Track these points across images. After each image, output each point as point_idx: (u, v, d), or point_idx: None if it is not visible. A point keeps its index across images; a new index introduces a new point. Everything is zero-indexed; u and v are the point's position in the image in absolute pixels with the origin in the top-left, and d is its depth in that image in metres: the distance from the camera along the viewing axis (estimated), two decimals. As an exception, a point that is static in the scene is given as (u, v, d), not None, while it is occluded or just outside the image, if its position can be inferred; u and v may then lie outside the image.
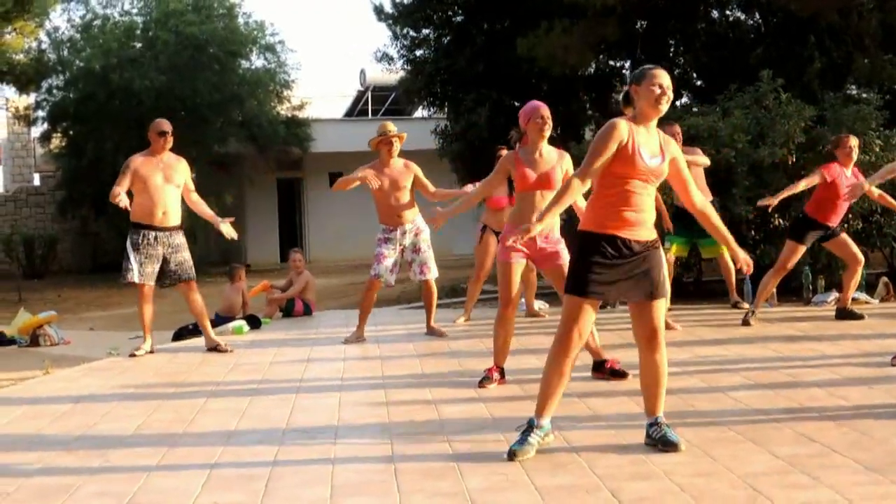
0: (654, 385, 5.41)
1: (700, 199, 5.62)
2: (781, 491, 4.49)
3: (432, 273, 10.30)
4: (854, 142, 10.07)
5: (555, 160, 7.43)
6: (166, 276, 9.75)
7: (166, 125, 9.77)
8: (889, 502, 4.30)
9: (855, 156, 10.05)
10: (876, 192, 10.04)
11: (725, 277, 11.62)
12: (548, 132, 7.41)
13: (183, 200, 9.91)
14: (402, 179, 10.12)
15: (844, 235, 10.33)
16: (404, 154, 10.21)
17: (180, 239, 9.79)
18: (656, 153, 5.32)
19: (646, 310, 5.37)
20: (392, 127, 10.19)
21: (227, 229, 9.90)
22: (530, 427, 5.35)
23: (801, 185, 10.12)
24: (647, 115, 5.34)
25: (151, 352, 9.87)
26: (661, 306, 5.42)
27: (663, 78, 5.31)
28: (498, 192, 10.48)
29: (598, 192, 5.36)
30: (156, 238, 9.61)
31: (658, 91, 5.27)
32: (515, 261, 7.33)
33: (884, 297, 11.93)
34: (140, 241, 9.60)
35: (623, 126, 5.26)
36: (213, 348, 9.87)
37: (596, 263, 5.24)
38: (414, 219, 10.23)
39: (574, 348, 5.32)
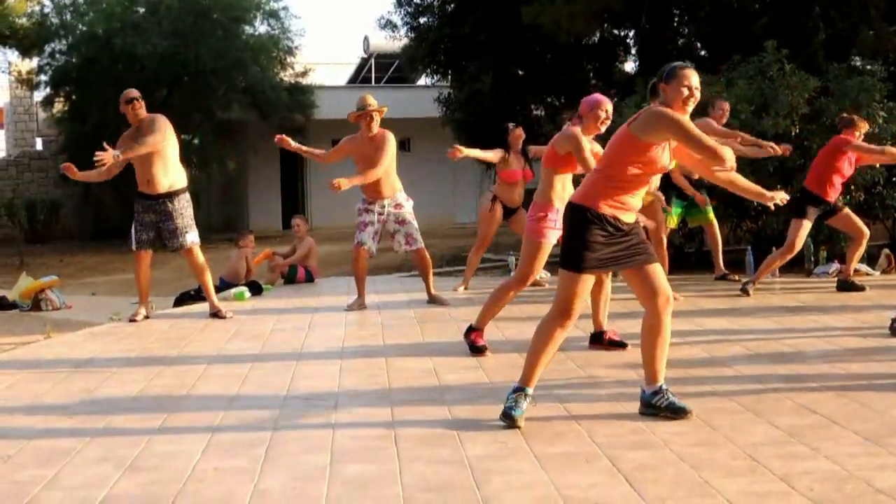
0: (661, 350, 5.40)
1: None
2: (780, 461, 4.50)
3: (418, 243, 10.31)
4: (865, 127, 10.17)
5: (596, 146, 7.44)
6: (165, 244, 9.85)
7: (132, 92, 9.88)
8: (887, 473, 4.31)
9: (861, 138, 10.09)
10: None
11: (712, 249, 11.58)
12: (604, 128, 7.31)
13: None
14: (378, 153, 10.09)
15: (847, 210, 10.33)
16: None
17: (174, 205, 9.75)
18: (667, 148, 5.33)
19: (648, 274, 5.37)
20: (372, 101, 10.12)
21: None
22: (524, 394, 5.36)
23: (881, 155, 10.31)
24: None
25: (147, 317, 9.89)
26: (661, 269, 5.44)
27: (692, 79, 5.27)
28: (512, 166, 10.64)
29: (611, 174, 5.31)
30: (149, 206, 9.72)
31: (686, 93, 5.24)
32: (549, 240, 7.28)
33: (885, 268, 11.93)
34: (137, 209, 9.81)
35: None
36: (215, 314, 9.90)
37: (592, 239, 5.24)
38: (394, 194, 10.24)
39: (572, 321, 5.33)
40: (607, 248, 5.27)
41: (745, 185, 5.73)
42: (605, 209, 5.27)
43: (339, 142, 10.31)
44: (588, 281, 5.32)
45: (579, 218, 5.31)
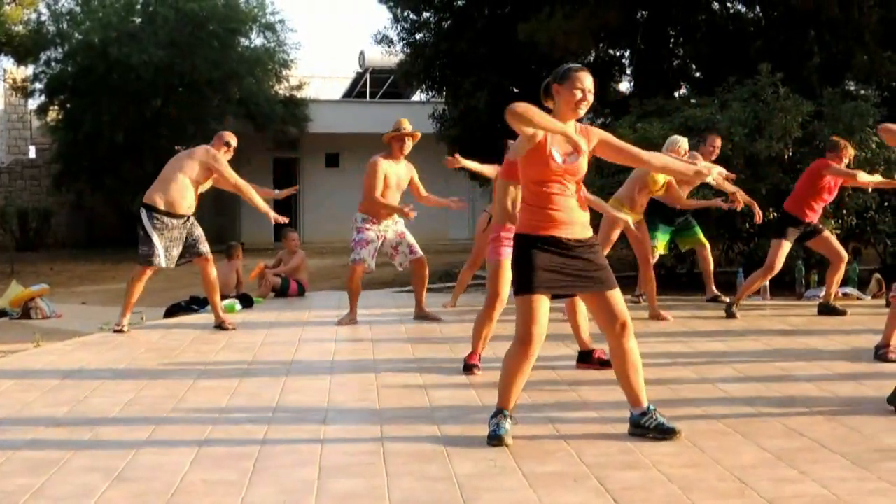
0: (634, 373, 5.40)
1: (645, 154, 5.69)
2: (769, 484, 4.50)
3: (420, 252, 10.37)
4: (852, 152, 10.10)
5: None
6: (187, 251, 9.85)
7: (232, 138, 10.19)
8: (876, 498, 4.31)
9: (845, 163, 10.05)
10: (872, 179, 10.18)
11: (703, 270, 11.60)
12: None
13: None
14: (404, 181, 10.21)
15: (827, 233, 10.33)
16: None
17: (193, 218, 9.94)
18: (570, 151, 5.33)
19: (606, 301, 5.37)
20: (408, 124, 10.16)
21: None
22: (503, 415, 5.36)
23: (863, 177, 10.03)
24: (566, 116, 5.36)
25: (120, 329, 9.73)
26: (620, 295, 5.43)
27: (586, 81, 5.33)
28: None
29: (525, 196, 5.46)
30: (176, 224, 9.71)
31: (579, 95, 5.30)
32: (508, 257, 7.27)
33: (875, 293, 11.94)
34: (164, 226, 9.68)
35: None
36: (219, 325, 9.87)
37: (536, 258, 5.26)
38: (396, 218, 10.30)
39: (536, 347, 5.31)
40: (555, 267, 5.28)
41: (676, 166, 5.96)
42: (540, 231, 5.31)
43: (376, 165, 10.19)
44: (542, 303, 5.29)
45: (519, 244, 5.41)
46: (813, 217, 10.09)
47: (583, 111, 5.35)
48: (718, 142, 10.98)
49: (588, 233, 5.42)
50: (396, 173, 10.15)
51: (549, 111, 5.40)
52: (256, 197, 10.01)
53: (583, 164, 5.38)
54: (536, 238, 5.30)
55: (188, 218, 9.80)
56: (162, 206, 9.67)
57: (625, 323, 5.36)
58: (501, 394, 5.41)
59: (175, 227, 9.71)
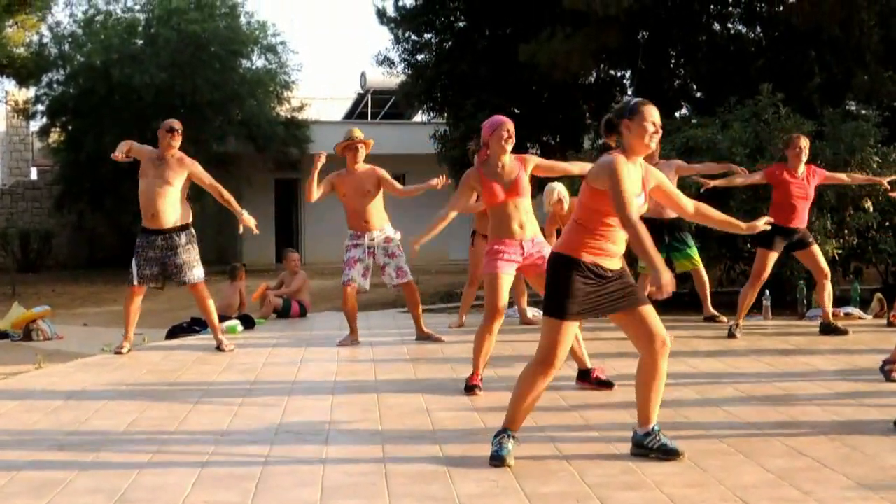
0: (656, 394, 5.37)
1: (691, 203, 5.69)
2: (771, 504, 4.50)
3: (408, 276, 10.29)
4: (804, 142, 10.13)
5: (517, 167, 7.42)
6: (170, 279, 9.79)
7: (176, 123, 9.91)
8: (878, 518, 4.31)
9: (804, 156, 10.07)
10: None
11: (699, 291, 11.58)
12: (510, 146, 7.39)
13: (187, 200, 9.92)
14: (367, 184, 10.17)
15: (815, 248, 10.29)
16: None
17: (181, 240, 9.72)
18: (639, 191, 5.32)
19: (641, 316, 5.35)
20: (359, 133, 10.24)
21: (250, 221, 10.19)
22: (506, 435, 5.36)
23: (738, 180, 10.51)
24: (637, 151, 5.32)
25: (119, 352, 9.72)
26: (654, 312, 5.40)
27: (655, 115, 5.30)
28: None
29: (583, 224, 5.32)
30: (153, 241, 9.62)
31: (651, 129, 5.26)
32: (504, 272, 7.29)
33: (877, 312, 11.92)
34: (141, 245, 9.66)
35: (624, 164, 5.23)
36: (217, 347, 9.84)
37: (574, 286, 5.22)
38: (383, 226, 10.27)
39: (555, 369, 5.31)
40: (589, 295, 5.26)
41: (718, 216, 5.94)
42: (586, 257, 5.26)
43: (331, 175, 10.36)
44: (571, 328, 5.30)
45: (560, 266, 5.32)
46: (798, 221, 10.08)
47: (654, 144, 5.34)
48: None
49: (620, 264, 5.43)
50: (352, 183, 10.20)
51: (608, 147, 5.40)
52: (227, 198, 10.24)
53: (646, 205, 5.37)
54: (578, 261, 5.25)
55: (168, 236, 9.68)
56: (142, 223, 9.72)
57: (664, 341, 5.34)
58: (510, 414, 5.40)
59: (150, 246, 9.64)
